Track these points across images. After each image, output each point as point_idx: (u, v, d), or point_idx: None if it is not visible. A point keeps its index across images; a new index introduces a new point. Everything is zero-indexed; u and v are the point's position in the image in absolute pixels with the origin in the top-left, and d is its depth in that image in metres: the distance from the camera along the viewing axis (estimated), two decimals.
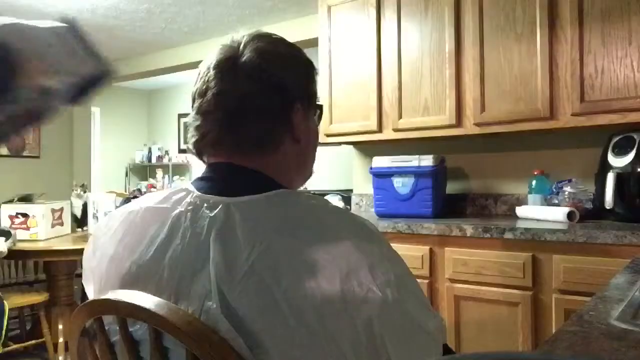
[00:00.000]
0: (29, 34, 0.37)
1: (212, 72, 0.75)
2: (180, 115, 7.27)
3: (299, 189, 0.86)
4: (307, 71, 0.82)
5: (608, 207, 2.04)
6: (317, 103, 0.85)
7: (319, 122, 0.86)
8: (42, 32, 0.38)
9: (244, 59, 0.75)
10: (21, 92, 0.34)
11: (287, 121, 0.77)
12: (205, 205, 0.70)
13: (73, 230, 3.21)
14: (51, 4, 3.29)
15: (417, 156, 2.46)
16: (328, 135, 2.79)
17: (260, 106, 0.75)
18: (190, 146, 0.79)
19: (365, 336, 0.60)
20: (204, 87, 0.76)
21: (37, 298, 2.85)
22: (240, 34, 0.79)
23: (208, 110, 0.75)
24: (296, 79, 0.79)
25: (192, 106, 0.78)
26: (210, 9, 3.46)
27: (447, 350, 0.78)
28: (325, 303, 0.60)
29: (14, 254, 2.72)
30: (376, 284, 0.64)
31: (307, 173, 0.86)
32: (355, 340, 0.60)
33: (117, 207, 3.00)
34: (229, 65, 0.75)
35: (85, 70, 0.39)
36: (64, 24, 0.41)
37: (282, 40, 0.81)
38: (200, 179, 0.77)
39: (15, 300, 2.74)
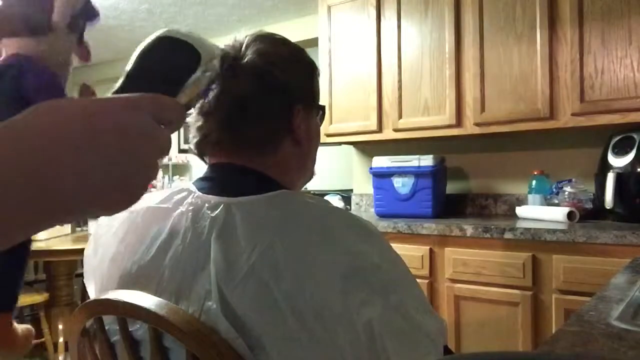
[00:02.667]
0: (185, 31, 0.48)
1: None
2: None
3: (299, 189, 0.86)
4: (309, 72, 0.82)
5: (608, 207, 2.04)
6: (319, 103, 0.85)
7: (321, 123, 0.86)
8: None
9: (245, 60, 0.75)
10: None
11: (288, 122, 0.77)
12: (207, 205, 0.70)
13: (73, 230, 3.21)
14: None
15: (417, 156, 2.46)
16: (328, 135, 2.79)
17: (261, 108, 0.75)
18: (192, 146, 0.79)
19: (365, 338, 0.60)
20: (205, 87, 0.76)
21: (37, 298, 2.85)
22: (243, 34, 0.79)
23: (209, 111, 0.75)
24: (297, 80, 0.79)
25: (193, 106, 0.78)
26: (210, 9, 3.46)
27: (447, 352, 0.78)
28: (325, 304, 0.60)
29: None
30: (376, 286, 0.64)
31: (309, 173, 0.86)
32: (354, 341, 0.60)
33: None
34: (230, 66, 0.75)
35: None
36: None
37: (284, 41, 0.81)
38: (202, 179, 0.77)
39: None
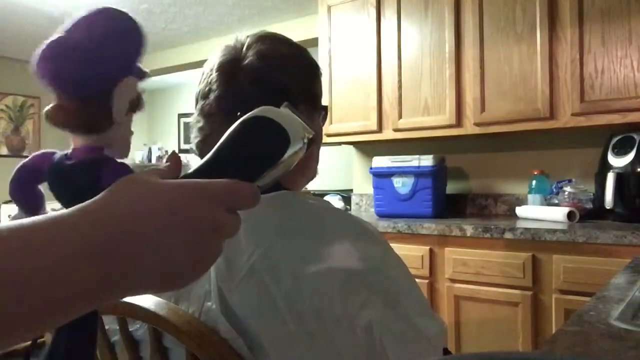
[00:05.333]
0: (278, 111, 0.47)
1: (214, 75, 0.75)
2: (181, 115, 7.26)
3: (300, 190, 0.86)
4: (311, 73, 0.81)
5: (608, 207, 2.04)
6: (322, 104, 0.84)
7: (323, 123, 0.86)
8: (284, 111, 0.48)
9: (246, 62, 0.74)
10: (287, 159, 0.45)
11: None
12: None
13: None
14: (53, 3, 3.29)
15: (417, 156, 2.45)
16: (328, 135, 2.79)
17: None
18: (193, 146, 0.79)
19: (365, 341, 0.60)
20: (207, 88, 0.76)
21: None
22: (244, 35, 0.79)
23: (210, 112, 0.75)
24: (299, 81, 0.78)
25: (195, 107, 0.78)
26: (210, 9, 3.46)
27: (446, 354, 0.78)
28: (324, 306, 0.60)
29: None
30: (376, 288, 0.63)
31: (310, 174, 0.85)
32: (354, 344, 0.60)
33: None
34: (231, 68, 0.75)
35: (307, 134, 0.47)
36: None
37: (285, 42, 0.81)
38: None
39: None
